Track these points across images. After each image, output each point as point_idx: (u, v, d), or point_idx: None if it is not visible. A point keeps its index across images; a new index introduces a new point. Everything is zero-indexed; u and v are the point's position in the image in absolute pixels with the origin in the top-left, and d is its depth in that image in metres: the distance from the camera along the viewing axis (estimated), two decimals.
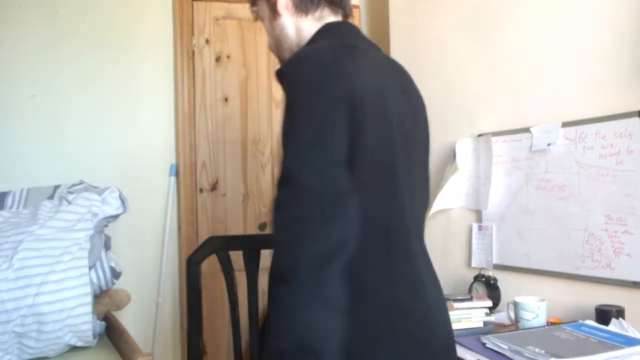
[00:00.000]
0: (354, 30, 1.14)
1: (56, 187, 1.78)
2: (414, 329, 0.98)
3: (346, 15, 1.18)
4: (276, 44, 1.19)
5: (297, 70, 0.96)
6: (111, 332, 1.55)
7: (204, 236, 2.32)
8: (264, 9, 1.18)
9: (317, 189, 0.85)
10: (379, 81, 1.00)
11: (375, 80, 0.99)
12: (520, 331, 1.47)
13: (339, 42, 1.03)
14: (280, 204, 0.86)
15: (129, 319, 2.00)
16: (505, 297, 1.81)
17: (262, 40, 2.52)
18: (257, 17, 1.22)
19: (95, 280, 1.53)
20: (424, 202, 1.13)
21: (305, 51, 1.04)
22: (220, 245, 1.59)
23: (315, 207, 0.84)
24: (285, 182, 0.87)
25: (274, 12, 1.15)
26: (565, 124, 1.71)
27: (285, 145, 0.90)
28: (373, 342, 0.94)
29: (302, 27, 1.13)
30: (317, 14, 1.13)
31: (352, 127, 0.90)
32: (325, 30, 1.11)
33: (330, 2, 1.13)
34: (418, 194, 1.07)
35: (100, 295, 1.61)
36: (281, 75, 1.00)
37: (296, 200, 0.85)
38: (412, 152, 1.05)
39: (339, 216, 0.85)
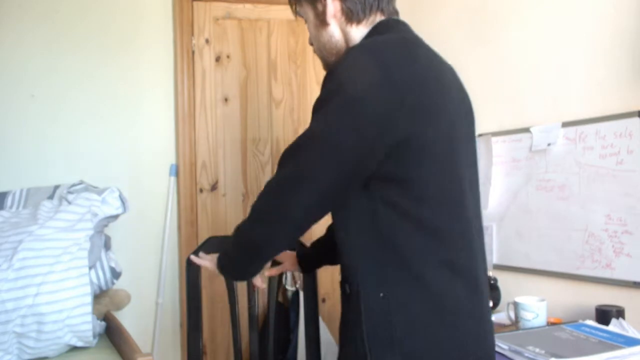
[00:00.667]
0: (406, 25, 1.13)
1: (56, 187, 1.78)
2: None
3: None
4: (322, 49, 1.16)
5: (352, 66, 0.98)
6: (111, 332, 1.55)
7: (204, 236, 2.32)
8: (308, 13, 1.15)
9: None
10: (441, 76, 1.04)
11: (437, 74, 1.03)
12: (520, 331, 1.47)
13: (400, 37, 1.06)
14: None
15: (129, 319, 2.00)
16: (505, 297, 1.81)
17: (262, 40, 2.52)
18: (298, 16, 1.19)
19: (95, 280, 1.53)
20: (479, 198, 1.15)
21: (366, 45, 1.04)
22: (220, 245, 1.58)
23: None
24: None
25: (322, 21, 1.12)
26: (565, 124, 1.71)
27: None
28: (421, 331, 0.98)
29: (352, 34, 1.11)
30: (371, 19, 1.11)
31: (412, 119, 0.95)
32: (380, 27, 1.10)
33: (381, 10, 1.12)
34: (474, 189, 1.10)
35: (100, 295, 1.61)
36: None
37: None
38: (468, 148, 1.09)
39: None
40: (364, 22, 1.10)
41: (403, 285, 0.97)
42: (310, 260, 1.52)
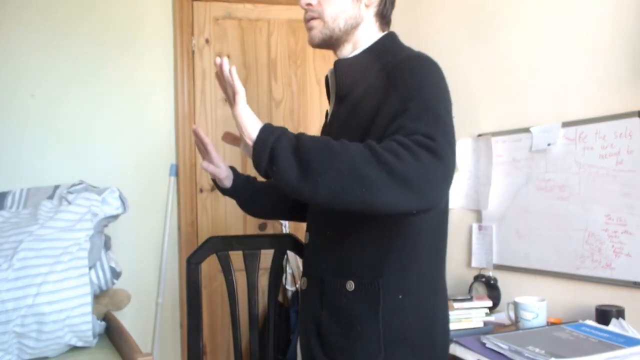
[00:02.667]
0: None
1: (56, 187, 1.78)
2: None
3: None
4: (334, 15, 1.17)
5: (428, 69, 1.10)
6: (111, 332, 1.55)
7: (204, 236, 2.32)
8: None
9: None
10: None
11: None
12: (520, 331, 1.47)
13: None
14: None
15: (129, 319, 2.00)
16: (505, 297, 1.81)
17: (262, 40, 2.52)
18: None
19: (95, 280, 1.53)
20: None
21: (420, 54, 1.14)
22: (220, 245, 1.59)
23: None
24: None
25: None
26: (565, 124, 1.71)
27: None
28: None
29: (364, 27, 1.20)
30: (383, 27, 1.23)
31: None
32: (395, 39, 1.22)
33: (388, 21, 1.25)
34: None
35: (100, 295, 1.61)
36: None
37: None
38: None
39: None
40: (384, 25, 1.23)
41: (420, 289, 1.10)
42: (244, 194, 1.41)
